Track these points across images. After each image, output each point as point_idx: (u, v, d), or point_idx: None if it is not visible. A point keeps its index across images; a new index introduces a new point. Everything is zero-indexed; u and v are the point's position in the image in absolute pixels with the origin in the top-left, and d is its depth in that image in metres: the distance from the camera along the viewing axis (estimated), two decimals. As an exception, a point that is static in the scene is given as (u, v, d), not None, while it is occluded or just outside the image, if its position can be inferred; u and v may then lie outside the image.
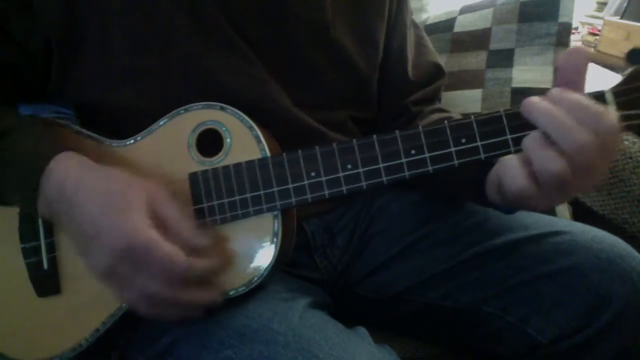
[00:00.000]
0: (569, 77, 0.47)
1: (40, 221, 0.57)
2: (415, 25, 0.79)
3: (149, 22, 0.56)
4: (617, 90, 0.47)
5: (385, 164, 0.51)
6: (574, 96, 0.45)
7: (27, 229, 0.57)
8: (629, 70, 0.47)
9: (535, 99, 0.46)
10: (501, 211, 0.61)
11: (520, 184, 0.47)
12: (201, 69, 0.58)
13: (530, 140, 0.46)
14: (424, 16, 1.14)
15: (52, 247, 0.57)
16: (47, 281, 0.57)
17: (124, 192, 0.49)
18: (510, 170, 0.48)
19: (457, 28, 1.05)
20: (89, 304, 0.56)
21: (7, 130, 0.54)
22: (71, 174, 0.50)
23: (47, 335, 0.58)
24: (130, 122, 0.57)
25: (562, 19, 0.93)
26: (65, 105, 0.61)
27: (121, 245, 0.46)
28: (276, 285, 0.57)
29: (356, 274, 0.71)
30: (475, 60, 1.01)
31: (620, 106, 0.46)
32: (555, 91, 0.46)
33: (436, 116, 0.72)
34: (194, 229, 0.50)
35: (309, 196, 0.52)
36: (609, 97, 0.47)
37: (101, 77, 0.57)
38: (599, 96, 0.47)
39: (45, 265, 0.57)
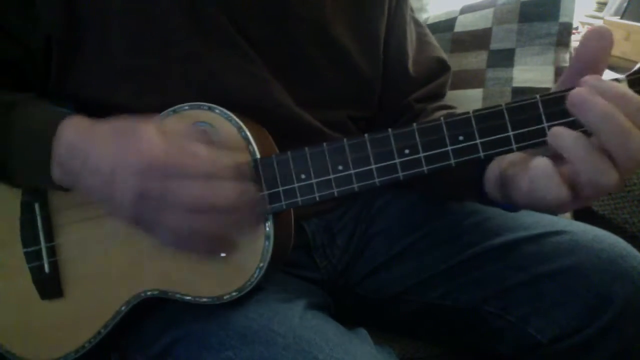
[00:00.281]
0: (588, 60, 0.42)
1: (40, 226, 0.57)
2: (416, 22, 0.78)
3: (148, 22, 0.56)
4: (633, 79, 0.41)
5: (377, 165, 0.48)
6: (624, 90, 0.39)
7: (29, 233, 0.58)
8: None
9: (586, 93, 0.39)
10: (503, 209, 0.58)
11: (558, 194, 0.41)
12: (201, 69, 0.58)
13: (577, 144, 0.39)
14: (424, 16, 1.14)
15: (52, 252, 0.58)
16: (49, 285, 0.58)
17: (132, 125, 0.47)
18: (542, 179, 0.41)
19: (458, 28, 1.05)
20: (91, 307, 0.57)
21: (14, 101, 0.54)
22: (81, 132, 0.50)
23: (52, 337, 0.58)
24: None
25: (563, 19, 0.93)
26: (65, 104, 0.61)
27: (141, 162, 0.44)
28: (276, 286, 0.57)
29: (356, 274, 0.71)
30: (475, 60, 1.01)
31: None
32: (593, 79, 0.40)
33: (440, 114, 0.70)
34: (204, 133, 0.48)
35: (299, 199, 0.50)
36: (624, 85, 0.41)
37: (100, 76, 0.57)
38: None
39: (47, 269, 0.57)
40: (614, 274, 0.57)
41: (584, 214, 0.92)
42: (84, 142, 0.48)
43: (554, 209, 0.45)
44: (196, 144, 0.46)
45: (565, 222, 0.66)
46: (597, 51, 0.41)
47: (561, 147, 0.40)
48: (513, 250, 0.62)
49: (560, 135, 0.41)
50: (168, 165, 0.44)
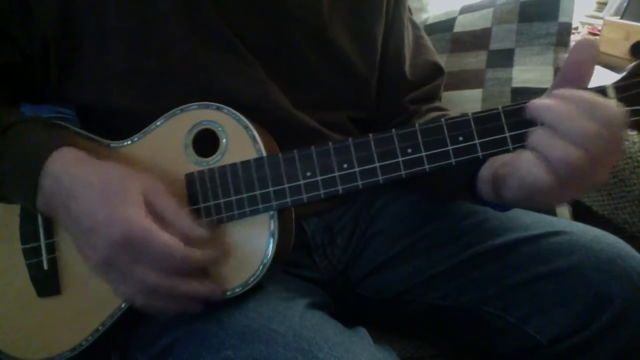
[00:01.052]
0: (576, 70, 0.46)
1: (40, 222, 0.57)
2: (414, 25, 0.78)
3: (146, 24, 0.56)
4: (619, 85, 0.45)
5: (381, 163, 0.50)
6: (576, 92, 0.44)
7: (28, 230, 0.58)
8: (632, 64, 0.46)
9: (538, 99, 0.45)
10: (495, 209, 0.60)
11: (544, 179, 0.44)
12: (199, 71, 0.58)
13: (538, 136, 0.45)
14: (424, 16, 1.14)
15: (52, 248, 0.58)
16: (47, 282, 0.58)
17: (121, 184, 0.49)
18: (528, 169, 0.45)
19: (457, 28, 1.05)
20: (88, 305, 0.57)
21: (8, 126, 0.54)
22: (68, 168, 0.51)
23: (48, 334, 0.58)
24: (130, 123, 0.57)
25: (562, 19, 0.93)
26: (66, 106, 0.61)
27: (118, 235, 0.47)
28: (276, 285, 0.57)
29: (356, 274, 0.71)
30: (475, 60, 1.01)
31: (621, 102, 0.45)
32: (558, 91, 0.45)
33: (433, 115, 0.71)
34: (191, 220, 0.50)
35: (304, 196, 0.52)
36: (611, 92, 0.45)
37: (99, 78, 0.58)
38: (600, 91, 0.45)
39: (45, 266, 0.57)
40: (614, 274, 0.57)
41: (583, 214, 0.92)
42: (70, 182, 0.50)
43: (545, 197, 0.47)
44: (173, 238, 0.48)
45: (564, 222, 0.66)
46: (584, 63, 0.46)
47: (531, 140, 0.45)
48: (513, 250, 0.63)
49: (532, 132, 0.46)
50: (141, 249, 0.47)
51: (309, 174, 0.52)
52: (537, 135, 0.45)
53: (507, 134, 0.47)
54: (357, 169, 0.51)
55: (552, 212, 0.87)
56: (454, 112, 0.73)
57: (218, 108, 0.54)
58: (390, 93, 0.73)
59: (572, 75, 0.46)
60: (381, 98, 0.73)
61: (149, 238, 0.47)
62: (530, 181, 0.45)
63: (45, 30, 0.55)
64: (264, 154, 0.53)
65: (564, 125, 0.43)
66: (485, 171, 0.54)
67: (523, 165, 0.46)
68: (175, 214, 0.50)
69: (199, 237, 0.50)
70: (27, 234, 0.58)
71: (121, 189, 0.49)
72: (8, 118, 0.56)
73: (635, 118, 0.45)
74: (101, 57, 0.57)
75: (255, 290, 0.53)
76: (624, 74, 0.46)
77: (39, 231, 0.57)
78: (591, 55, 0.45)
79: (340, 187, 0.51)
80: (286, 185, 0.52)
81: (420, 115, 0.72)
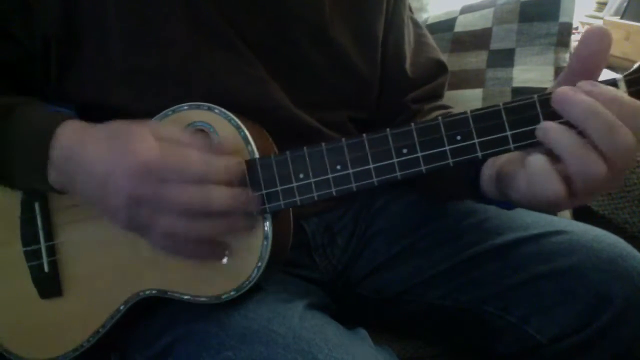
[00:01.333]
0: (588, 61, 0.42)
1: (40, 225, 0.58)
2: (415, 23, 0.78)
3: (146, 23, 0.56)
4: (630, 79, 0.42)
5: (375, 165, 0.48)
6: (611, 89, 0.40)
7: (28, 232, 0.58)
8: None
9: (570, 91, 0.40)
10: (500, 207, 0.58)
11: (556, 189, 0.41)
12: (199, 70, 0.58)
13: (565, 138, 0.40)
14: (424, 16, 1.14)
15: (52, 251, 0.58)
16: (48, 284, 0.58)
17: (127, 129, 0.48)
18: (538, 175, 0.42)
19: (458, 28, 1.05)
20: (89, 307, 0.57)
21: (14, 105, 0.54)
22: (77, 136, 0.50)
23: (50, 335, 0.58)
24: None
25: (563, 19, 0.93)
26: (66, 105, 0.61)
27: (135, 167, 0.44)
28: (276, 286, 0.57)
29: (356, 274, 0.71)
30: (475, 60, 1.01)
31: (633, 95, 0.41)
32: (586, 84, 0.41)
33: (437, 113, 0.70)
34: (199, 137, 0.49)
35: (297, 199, 0.50)
36: (622, 85, 0.42)
37: (99, 77, 0.58)
38: (610, 84, 0.42)
39: (46, 268, 0.57)
40: (614, 274, 0.57)
41: (584, 214, 0.92)
42: (79, 145, 0.49)
43: (552, 206, 0.45)
44: (190, 148, 0.46)
45: (565, 222, 0.66)
46: (596, 52, 0.42)
47: (549, 140, 0.41)
48: (513, 250, 0.63)
49: (547, 128, 0.41)
50: (161, 169, 0.44)
51: (301, 175, 0.50)
52: (560, 137, 0.40)
53: (509, 133, 0.44)
54: (350, 171, 0.49)
55: (552, 212, 0.87)
56: (456, 111, 0.72)
57: (209, 108, 0.53)
58: (391, 92, 0.72)
59: (583, 67, 0.42)
60: (382, 97, 0.72)
61: (163, 156, 0.45)
62: (538, 189, 0.42)
63: (46, 28, 0.55)
64: (257, 155, 0.51)
65: (600, 133, 0.38)
66: (489, 168, 0.52)
67: (532, 169, 0.42)
68: (185, 137, 0.48)
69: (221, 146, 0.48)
70: (28, 236, 0.58)
71: (127, 130, 0.47)
72: (11, 99, 0.55)
73: None
74: (101, 56, 0.57)
75: (254, 291, 0.53)
76: (635, 65, 0.43)
77: (39, 234, 0.57)
78: (605, 46, 0.41)
79: (333, 190, 0.49)
80: (279, 188, 0.50)
81: (423, 115, 0.71)
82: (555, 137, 0.41)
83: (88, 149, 0.48)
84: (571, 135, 0.40)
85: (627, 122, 0.39)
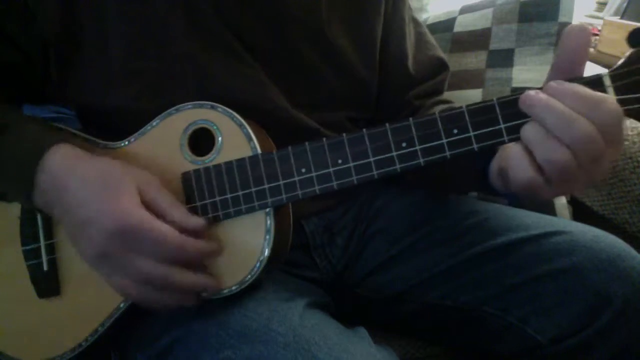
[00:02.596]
0: (570, 57, 0.46)
1: (40, 224, 0.57)
2: (416, 22, 0.78)
3: (145, 24, 0.56)
4: (615, 74, 0.45)
5: (375, 158, 0.50)
6: (571, 86, 0.44)
7: (28, 232, 0.58)
8: (628, 52, 0.45)
9: (532, 93, 0.45)
10: (507, 199, 0.60)
11: (526, 174, 0.45)
12: (198, 71, 0.58)
13: (530, 131, 0.45)
14: (424, 16, 1.14)
15: (51, 250, 0.58)
16: (47, 283, 0.58)
17: (116, 177, 0.49)
18: (513, 160, 0.46)
19: (457, 28, 1.05)
20: (88, 306, 0.57)
21: (6, 124, 0.54)
22: (64, 163, 0.51)
23: (48, 335, 0.58)
24: (130, 123, 0.57)
25: (562, 19, 0.93)
26: (66, 106, 0.61)
27: (113, 226, 0.47)
28: (276, 285, 0.57)
29: (356, 273, 0.71)
30: (475, 60, 1.01)
31: (618, 90, 0.44)
32: (552, 84, 0.44)
33: (438, 108, 0.71)
34: (186, 212, 0.51)
35: (299, 192, 0.52)
36: (607, 80, 0.45)
37: (99, 79, 0.58)
38: (596, 80, 0.45)
39: (45, 267, 0.57)
40: (613, 274, 0.57)
41: (584, 214, 0.92)
42: (66, 176, 0.50)
43: (532, 192, 0.47)
44: (170, 224, 0.48)
45: (564, 222, 0.66)
46: (576, 48, 0.45)
47: (522, 135, 0.45)
48: (513, 250, 0.63)
49: (524, 126, 0.46)
50: (135, 240, 0.47)
51: (303, 170, 0.52)
52: (526, 131, 0.45)
53: (502, 126, 0.47)
54: (351, 164, 0.51)
55: (552, 212, 0.87)
56: (458, 105, 0.72)
57: (212, 107, 0.55)
58: (394, 89, 0.73)
59: (566, 63, 0.46)
60: (385, 95, 0.73)
61: (143, 226, 0.47)
62: (515, 173, 0.46)
63: (46, 30, 0.55)
64: (259, 151, 0.53)
65: (557, 125, 0.43)
66: (494, 163, 0.54)
67: (512, 159, 0.47)
68: (170, 205, 0.50)
69: (195, 225, 0.50)
70: (27, 235, 0.58)
71: (116, 181, 0.49)
72: (4, 117, 0.56)
73: (630, 107, 0.44)
74: (100, 57, 0.57)
75: (254, 289, 0.53)
76: (620, 62, 0.45)
77: (38, 233, 0.58)
78: (584, 41, 0.45)
79: (334, 183, 0.51)
80: (281, 182, 0.52)
81: (426, 110, 0.72)
82: (526, 131, 0.45)
83: (73, 181, 0.50)
84: (535, 128, 0.44)
85: (586, 113, 0.42)
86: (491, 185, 0.55)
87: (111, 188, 0.48)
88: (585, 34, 0.44)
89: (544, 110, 0.43)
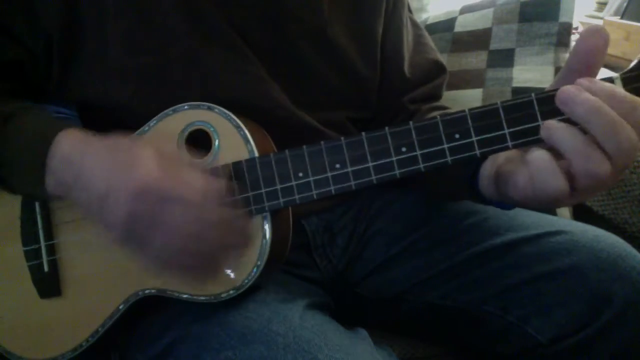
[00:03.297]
0: (585, 59, 0.42)
1: (40, 224, 0.58)
2: (414, 23, 0.78)
3: (145, 22, 0.56)
4: (627, 77, 0.42)
5: (374, 163, 0.48)
6: (611, 86, 0.40)
7: (28, 232, 0.58)
8: None
9: (575, 90, 0.40)
10: (497, 207, 0.58)
11: (557, 184, 0.41)
12: (199, 68, 0.58)
13: (574, 139, 0.40)
14: (424, 16, 1.14)
15: (52, 251, 0.58)
16: (48, 283, 0.58)
17: (130, 149, 0.48)
18: (539, 168, 0.42)
19: (458, 28, 1.05)
20: (89, 306, 0.57)
21: (12, 113, 0.54)
22: (76, 146, 0.50)
23: (50, 335, 0.58)
24: (131, 122, 0.57)
25: (563, 19, 0.93)
26: (67, 105, 0.61)
27: (134, 190, 0.44)
28: (276, 286, 0.57)
29: (356, 273, 0.71)
30: (475, 60, 1.01)
31: (630, 93, 0.41)
32: (585, 81, 0.41)
33: (434, 114, 0.69)
34: (205, 170, 0.49)
35: (297, 197, 0.50)
36: (618, 83, 0.42)
37: (99, 76, 0.58)
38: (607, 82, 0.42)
39: (46, 268, 0.57)
40: (614, 273, 0.57)
41: (584, 214, 0.92)
42: (78, 156, 0.49)
43: (553, 203, 0.45)
44: (190, 171, 0.46)
45: (565, 222, 0.66)
46: (594, 50, 0.42)
47: (554, 139, 0.41)
48: (513, 250, 0.62)
49: (552, 127, 0.42)
50: (161, 190, 0.45)
51: (301, 174, 0.50)
52: (562, 135, 0.41)
53: (507, 131, 0.44)
54: (349, 169, 0.49)
55: (552, 212, 0.87)
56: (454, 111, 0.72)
57: (209, 108, 0.54)
58: (389, 92, 0.72)
59: (580, 65, 0.43)
60: (380, 97, 0.72)
61: (165, 185, 0.45)
62: (541, 185, 0.42)
63: (48, 28, 0.55)
64: (256, 154, 0.52)
65: (604, 131, 0.39)
66: (488, 168, 0.52)
67: (536, 166, 0.42)
68: (189, 162, 0.49)
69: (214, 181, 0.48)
70: (28, 236, 0.58)
71: (130, 152, 0.47)
72: (10, 106, 0.55)
73: None
74: (101, 53, 0.57)
75: (255, 291, 0.53)
76: (632, 64, 0.43)
77: (39, 233, 0.58)
78: (601, 42, 0.42)
79: (332, 188, 0.50)
80: (278, 187, 0.51)
81: (421, 115, 0.71)
82: (561, 137, 0.41)
83: (87, 161, 0.48)
84: (576, 135, 0.40)
85: (627, 117, 0.39)
86: (479, 193, 0.54)
87: (125, 153, 0.47)
88: (601, 35, 0.42)
89: (591, 113, 0.39)
